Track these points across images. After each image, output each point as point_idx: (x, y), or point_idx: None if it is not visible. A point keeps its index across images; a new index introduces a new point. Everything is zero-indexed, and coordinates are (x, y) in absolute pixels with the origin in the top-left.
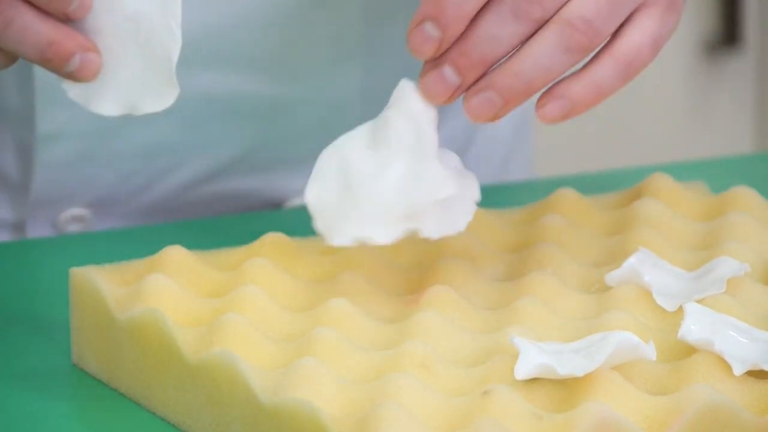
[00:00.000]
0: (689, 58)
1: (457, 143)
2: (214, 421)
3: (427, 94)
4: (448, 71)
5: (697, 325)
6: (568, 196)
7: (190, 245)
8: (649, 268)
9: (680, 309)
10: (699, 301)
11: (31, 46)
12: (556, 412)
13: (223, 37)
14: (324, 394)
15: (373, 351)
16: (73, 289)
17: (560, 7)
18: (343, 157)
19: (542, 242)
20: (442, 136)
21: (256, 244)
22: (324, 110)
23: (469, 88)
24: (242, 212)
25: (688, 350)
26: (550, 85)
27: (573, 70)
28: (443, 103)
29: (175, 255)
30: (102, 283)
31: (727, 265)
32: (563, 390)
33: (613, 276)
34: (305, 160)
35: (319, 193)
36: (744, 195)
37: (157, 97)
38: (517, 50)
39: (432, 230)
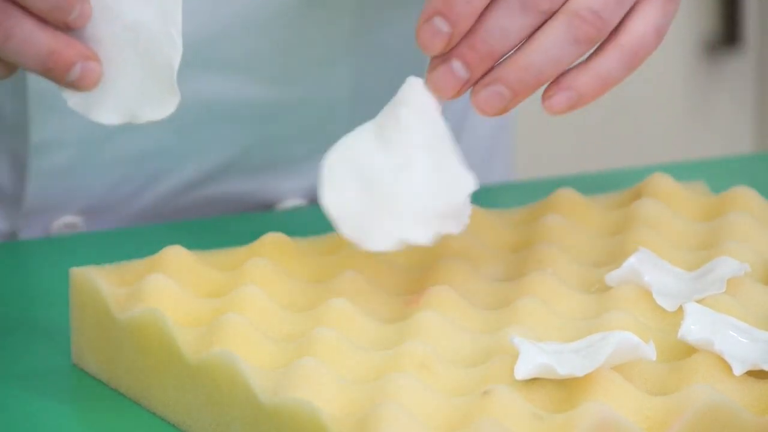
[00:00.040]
0: (689, 58)
1: None
2: (214, 421)
3: (436, 90)
4: (456, 66)
5: (697, 325)
6: (568, 196)
7: (189, 245)
8: (649, 268)
9: (680, 309)
10: (699, 301)
11: (32, 56)
12: (556, 412)
13: (214, 42)
14: (324, 394)
15: (373, 351)
16: (73, 289)
17: None
18: (354, 160)
19: (542, 242)
20: None
21: (256, 244)
22: (315, 112)
23: (477, 82)
24: (242, 213)
25: (688, 350)
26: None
27: (578, 61)
28: (452, 97)
29: (175, 255)
30: (102, 283)
31: (727, 265)
32: (563, 390)
33: (613, 276)
34: (297, 162)
35: (336, 199)
36: (744, 195)
37: (158, 105)
38: (525, 43)
39: (455, 227)
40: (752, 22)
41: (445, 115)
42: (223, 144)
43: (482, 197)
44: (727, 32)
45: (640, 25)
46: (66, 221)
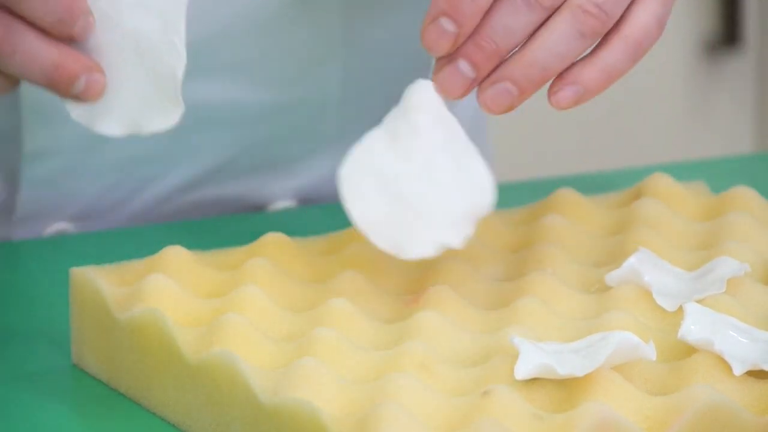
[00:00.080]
0: (689, 58)
1: None
2: (214, 421)
3: (443, 90)
4: (463, 65)
5: (697, 325)
6: (568, 196)
7: (189, 245)
8: (649, 268)
9: (680, 309)
10: (699, 301)
11: (36, 70)
12: (556, 412)
13: (204, 47)
14: (324, 394)
15: (373, 351)
16: (73, 289)
17: None
18: (373, 170)
19: (542, 242)
20: None
21: (256, 244)
22: (305, 112)
23: (483, 80)
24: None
25: (688, 350)
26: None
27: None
28: (459, 97)
29: (175, 255)
30: (102, 283)
31: (727, 265)
32: (563, 390)
33: (613, 276)
34: (287, 164)
35: (365, 211)
36: (744, 195)
37: (162, 115)
38: (530, 39)
39: (474, 226)
40: (752, 22)
41: None
42: (214, 147)
43: None
44: (727, 32)
45: (641, 16)
46: (58, 228)
